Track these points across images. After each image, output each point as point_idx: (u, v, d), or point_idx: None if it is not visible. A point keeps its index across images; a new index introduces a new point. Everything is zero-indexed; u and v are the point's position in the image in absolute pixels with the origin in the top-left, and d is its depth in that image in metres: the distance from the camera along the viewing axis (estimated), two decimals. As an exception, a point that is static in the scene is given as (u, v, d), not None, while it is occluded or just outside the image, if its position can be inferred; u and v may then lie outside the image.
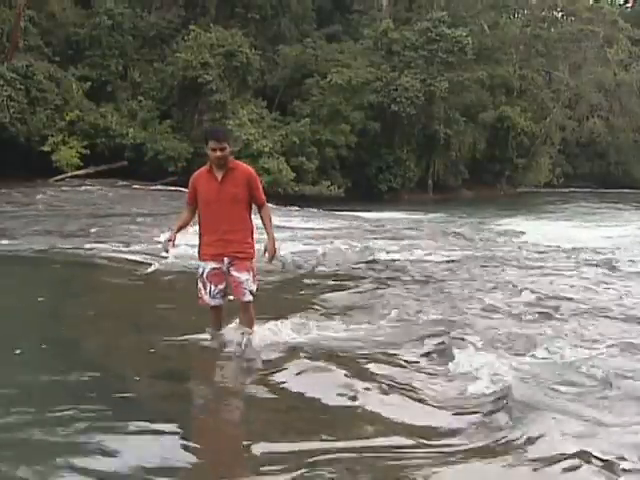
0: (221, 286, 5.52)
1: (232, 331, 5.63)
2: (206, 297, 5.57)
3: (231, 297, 5.60)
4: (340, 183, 30.56)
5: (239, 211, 5.45)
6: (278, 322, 6.08)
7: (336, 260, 10.69)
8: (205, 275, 5.52)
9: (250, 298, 5.50)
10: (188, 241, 13.19)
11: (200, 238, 5.60)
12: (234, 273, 5.45)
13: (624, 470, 3.49)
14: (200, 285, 5.56)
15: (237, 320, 5.66)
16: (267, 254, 5.52)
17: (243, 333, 5.56)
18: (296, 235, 14.06)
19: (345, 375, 4.80)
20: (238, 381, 5.19)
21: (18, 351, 5.38)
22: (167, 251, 5.72)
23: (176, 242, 5.53)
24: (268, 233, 5.55)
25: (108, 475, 3.49)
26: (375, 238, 14.36)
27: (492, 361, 5.21)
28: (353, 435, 3.99)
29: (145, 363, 5.40)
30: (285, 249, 10.36)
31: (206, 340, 5.67)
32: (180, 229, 5.60)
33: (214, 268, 5.48)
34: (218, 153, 5.41)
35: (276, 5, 33.44)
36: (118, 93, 29.90)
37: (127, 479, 3.50)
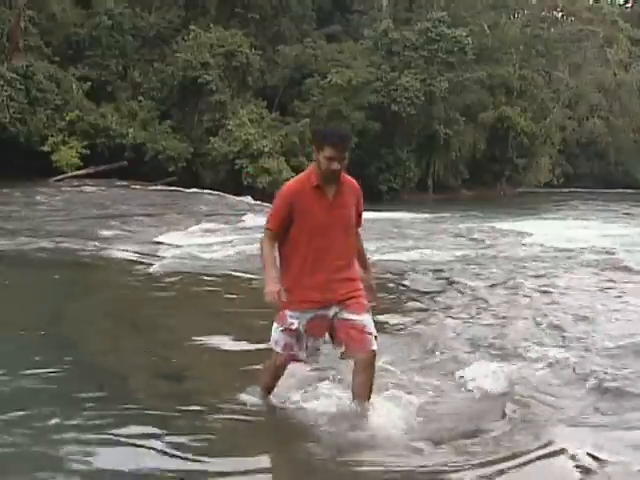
0: (322, 338, 4.13)
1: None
2: (300, 354, 4.10)
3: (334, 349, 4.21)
4: (340, 183, 30.55)
5: (351, 240, 4.11)
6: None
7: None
8: (302, 327, 4.02)
9: (376, 346, 4.04)
10: (188, 241, 13.25)
11: (289, 277, 4.01)
12: (351, 316, 4.00)
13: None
14: (290, 340, 4.04)
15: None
16: (367, 290, 4.20)
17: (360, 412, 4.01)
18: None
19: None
20: (238, 382, 5.18)
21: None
22: (276, 304, 3.93)
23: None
24: (366, 263, 4.30)
25: (106, 475, 3.49)
26: (379, 238, 14.36)
27: (494, 367, 5.12)
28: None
29: (145, 363, 5.39)
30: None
31: (242, 404, 4.39)
32: (276, 268, 3.99)
33: (314, 317, 4.02)
34: (335, 165, 3.90)
35: (276, 5, 33.42)
36: (118, 93, 29.89)
37: (123, 478, 3.50)
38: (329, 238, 3.96)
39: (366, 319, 4.00)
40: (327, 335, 4.10)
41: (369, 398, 4.00)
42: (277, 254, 4.05)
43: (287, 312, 4.00)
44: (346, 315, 3.99)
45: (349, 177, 4.09)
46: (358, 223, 4.17)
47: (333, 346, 4.16)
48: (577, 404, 4.58)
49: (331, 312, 4.01)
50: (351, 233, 4.10)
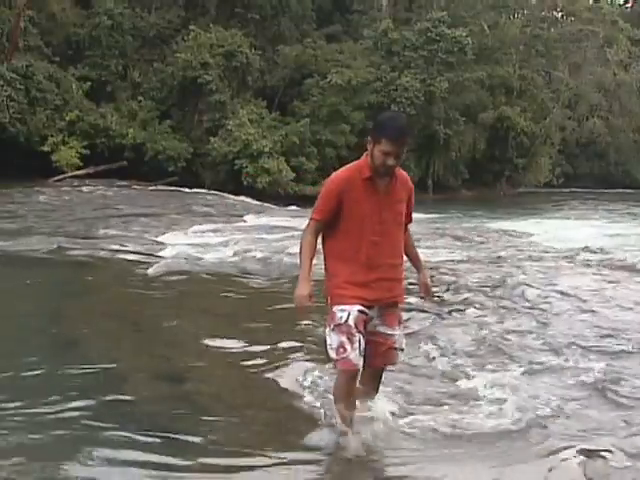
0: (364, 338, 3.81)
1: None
2: (353, 355, 3.69)
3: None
4: (340, 183, 30.56)
5: (401, 237, 3.88)
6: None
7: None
8: (352, 321, 3.69)
9: (401, 358, 4.03)
10: (188, 241, 13.24)
11: (337, 272, 3.77)
12: (382, 329, 3.82)
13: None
14: (343, 338, 3.68)
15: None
16: (424, 289, 4.06)
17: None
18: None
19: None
20: (239, 382, 5.18)
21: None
22: (304, 310, 3.75)
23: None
24: (420, 262, 4.08)
25: (103, 475, 3.49)
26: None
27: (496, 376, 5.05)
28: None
29: (145, 364, 5.39)
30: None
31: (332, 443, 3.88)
32: (311, 266, 3.75)
33: (362, 312, 3.73)
34: (391, 161, 3.65)
35: (276, 5, 33.41)
36: (118, 93, 29.89)
37: (124, 478, 3.50)
38: (382, 234, 3.71)
39: (399, 334, 3.88)
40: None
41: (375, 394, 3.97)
42: (323, 249, 3.85)
43: (336, 308, 3.71)
44: (380, 328, 3.80)
45: (402, 171, 3.84)
46: (408, 220, 3.95)
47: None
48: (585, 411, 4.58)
49: (373, 313, 3.78)
50: (402, 231, 3.87)
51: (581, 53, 41.62)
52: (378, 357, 3.83)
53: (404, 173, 3.86)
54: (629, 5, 56.59)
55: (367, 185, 3.69)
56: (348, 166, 3.82)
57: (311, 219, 3.75)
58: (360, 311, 3.69)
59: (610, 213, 26.48)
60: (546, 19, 42.73)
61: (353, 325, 3.66)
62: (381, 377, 3.97)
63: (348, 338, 3.66)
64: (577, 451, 3.59)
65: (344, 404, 3.76)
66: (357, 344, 3.66)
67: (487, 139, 38.02)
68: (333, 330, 3.70)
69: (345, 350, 3.66)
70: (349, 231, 3.70)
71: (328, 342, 3.74)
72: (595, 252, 12.46)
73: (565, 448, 3.67)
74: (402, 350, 3.94)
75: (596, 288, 8.84)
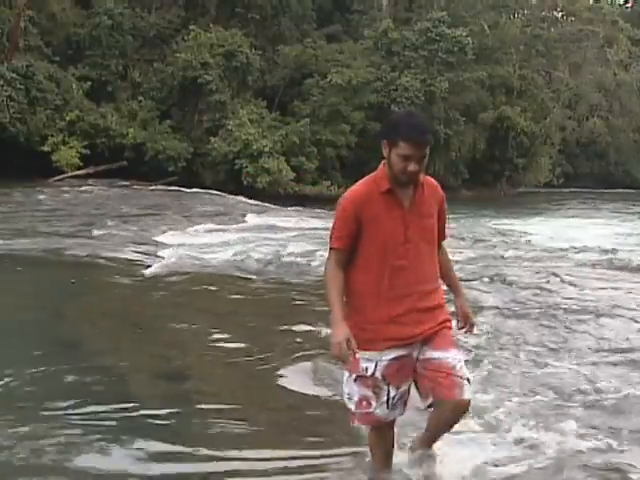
0: (406, 385, 3.17)
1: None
2: (379, 411, 3.12)
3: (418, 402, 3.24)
4: (340, 183, 30.50)
5: (434, 257, 3.25)
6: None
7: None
8: (379, 374, 3.09)
9: (470, 393, 3.13)
10: (188, 241, 13.24)
11: (359, 308, 3.13)
12: (436, 354, 3.10)
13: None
14: (367, 392, 3.10)
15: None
16: (463, 318, 3.36)
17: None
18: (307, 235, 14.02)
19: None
20: (239, 381, 5.18)
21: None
22: (344, 358, 3.00)
23: None
24: (458, 286, 3.43)
25: (103, 475, 3.49)
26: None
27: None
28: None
29: (145, 363, 5.39)
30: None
31: None
32: (342, 303, 3.09)
33: (397, 358, 3.10)
34: (413, 167, 3.04)
35: (276, 5, 33.41)
36: (118, 93, 29.89)
37: (124, 478, 3.50)
38: (408, 256, 3.09)
39: (455, 357, 3.11)
40: (413, 383, 3.18)
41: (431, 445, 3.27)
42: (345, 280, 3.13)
43: (359, 355, 3.04)
44: (430, 354, 3.10)
45: (430, 178, 3.24)
46: (442, 235, 3.31)
47: (420, 399, 3.18)
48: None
49: (415, 352, 3.11)
50: (435, 249, 3.23)
51: (581, 53, 41.60)
52: (440, 387, 3.06)
53: (432, 180, 3.26)
54: (629, 5, 56.59)
55: (387, 199, 3.09)
56: (364, 179, 3.20)
57: (330, 249, 3.13)
58: (392, 359, 3.07)
59: (612, 213, 26.47)
60: (546, 19, 42.71)
61: (380, 378, 3.07)
62: (449, 428, 3.18)
63: (375, 392, 3.09)
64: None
65: (376, 459, 3.28)
66: (384, 398, 3.09)
67: (487, 139, 38.01)
68: (355, 381, 3.10)
69: (370, 405, 3.09)
70: (369, 257, 3.09)
71: (346, 391, 3.17)
72: (598, 252, 12.40)
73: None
74: (468, 382, 3.10)
75: (600, 287, 8.83)
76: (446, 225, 3.31)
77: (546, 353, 5.72)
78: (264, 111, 30.45)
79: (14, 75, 25.02)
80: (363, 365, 3.08)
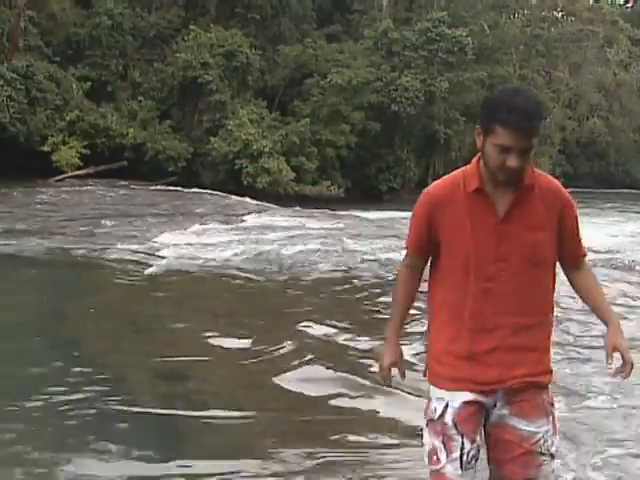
0: (481, 439, 2.46)
1: None
2: (450, 468, 2.40)
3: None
4: (340, 183, 30.53)
5: (543, 281, 2.47)
6: None
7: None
8: (451, 418, 2.41)
9: (551, 476, 2.46)
10: (188, 241, 13.25)
11: (437, 334, 2.50)
12: (513, 422, 2.42)
13: None
14: (436, 441, 2.43)
15: None
16: (612, 354, 2.43)
17: None
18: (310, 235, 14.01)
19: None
20: (239, 381, 5.18)
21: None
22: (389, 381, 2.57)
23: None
24: (608, 313, 2.53)
25: (103, 475, 3.49)
26: (379, 238, 14.36)
27: None
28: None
29: (145, 363, 5.39)
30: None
31: None
32: (404, 317, 2.57)
33: (471, 402, 2.41)
34: (514, 161, 2.29)
35: (276, 5, 33.41)
36: (118, 93, 29.89)
37: (124, 479, 3.50)
38: (500, 278, 2.38)
39: (542, 430, 2.41)
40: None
41: None
42: (428, 294, 2.54)
43: (432, 392, 2.47)
44: (511, 421, 2.41)
45: (549, 177, 2.49)
46: (573, 252, 2.54)
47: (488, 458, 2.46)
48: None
49: (494, 403, 2.41)
50: (547, 272, 2.45)
51: (581, 53, 41.64)
52: (510, 464, 2.41)
53: (551, 180, 2.49)
54: (629, 5, 56.59)
55: (474, 202, 2.38)
56: (449, 175, 2.51)
57: (405, 248, 2.57)
58: (467, 402, 2.40)
59: (612, 212, 26.48)
60: (546, 19, 42.74)
61: (451, 424, 2.40)
62: None
63: (443, 443, 2.40)
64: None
65: None
66: (457, 452, 2.39)
67: (487, 139, 38.02)
68: (427, 426, 2.46)
69: (439, 460, 2.41)
70: (452, 273, 2.43)
71: (424, 440, 2.49)
72: (600, 251, 12.36)
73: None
74: (553, 457, 2.44)
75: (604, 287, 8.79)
76: (579, 240, 2.55)
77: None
78: (264, 111, 30.45)
79: (14, 75, 25.01)
80: (433, 405, 2.45)
